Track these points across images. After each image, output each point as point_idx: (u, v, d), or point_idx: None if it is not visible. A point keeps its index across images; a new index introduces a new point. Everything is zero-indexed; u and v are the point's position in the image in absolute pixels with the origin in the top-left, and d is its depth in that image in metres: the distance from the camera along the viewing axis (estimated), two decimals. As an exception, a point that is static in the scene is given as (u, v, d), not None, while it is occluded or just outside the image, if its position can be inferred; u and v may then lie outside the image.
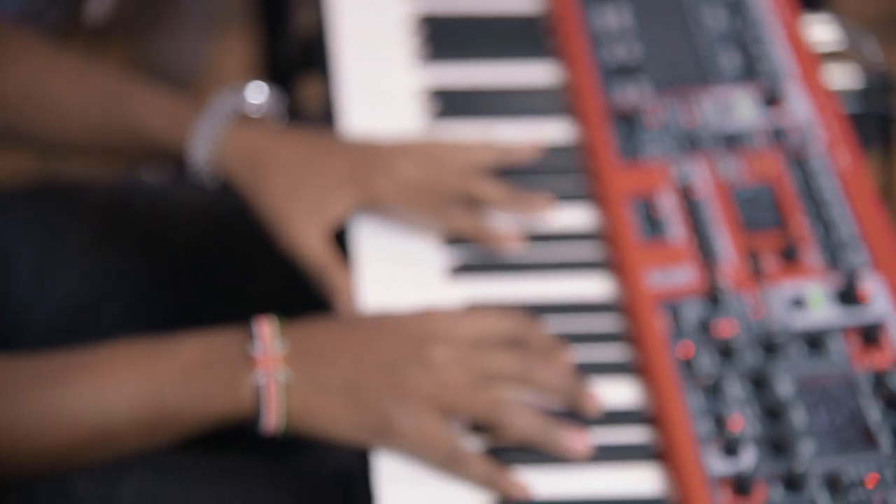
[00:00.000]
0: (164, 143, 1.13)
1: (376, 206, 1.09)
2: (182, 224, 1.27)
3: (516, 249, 1.08)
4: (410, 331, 0.98)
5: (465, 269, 1.08)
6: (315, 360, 0.97)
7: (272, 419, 0.96)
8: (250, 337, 0.97)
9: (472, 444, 0.97)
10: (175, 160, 1.14)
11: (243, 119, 1.13)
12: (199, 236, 1.27)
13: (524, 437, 0.96)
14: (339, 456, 1.10)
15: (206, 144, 1.11)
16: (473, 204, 1.10)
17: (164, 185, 1.30)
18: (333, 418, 0.96)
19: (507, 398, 0.97)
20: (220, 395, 0.96)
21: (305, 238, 1.08)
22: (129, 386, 0.96)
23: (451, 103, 1.19)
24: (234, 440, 1.04)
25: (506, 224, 1.10)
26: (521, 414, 0.96)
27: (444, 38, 1.23)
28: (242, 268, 1.26)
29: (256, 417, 0.96)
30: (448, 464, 0.95)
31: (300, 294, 1.12)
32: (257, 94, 1.15)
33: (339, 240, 1.11)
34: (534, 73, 1.21)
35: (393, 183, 1.09)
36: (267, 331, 0.98)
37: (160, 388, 0.96)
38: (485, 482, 0.95)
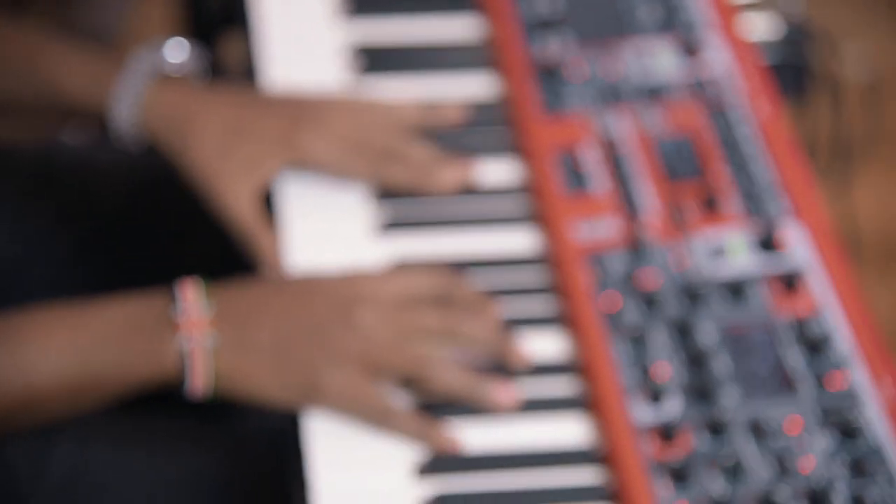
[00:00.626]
0: (85, 104, 1.12)
1: (307, 165, 1.09)
2: (108, 187, 1.26)
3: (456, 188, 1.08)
4: (337, 293, 0.98)
5: (393, 225, 1.08)
6: (242, 323, 0.97)
7: (198, 384, 0.96)
8: (173, 301, 0.97)
9: (402, 401, 0.98)
10: (98, 121, 1.13)
11: (165, 78, 1.12)
12: (126, 199, 1.26)
13: (451, 391, 0.97)
14: (270, 416, 1.10)
15: (129, 106, 1.10)
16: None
17: (89, 148, 1.29)
18: (262, 381, 0.96)
19: (433, 354, 0.98)
20: (142, 360, 0.96)
21: (234, 200, 1.07)
22: (51, 350, 0.96)
23: (375, 59, 1.18)
24: (165, 403, 1.04)
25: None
26: (447, 369, 0.97)
27: (366, -8, 1.23)
28: (171, 230, 1.25)
29: (182, 382, 0.97)
30: (378, 421, 0.96)
31: (231, 256, 1.12)
32: (178, 51, 1.14)
33: (266, 200, 1.10)
34: (456, 28, 1.21)
35: (323, 141, 1.08)
36: (191, 294, 0.97)
37: (83, 352, 0.96)
38: (415, 437, 0.96)
